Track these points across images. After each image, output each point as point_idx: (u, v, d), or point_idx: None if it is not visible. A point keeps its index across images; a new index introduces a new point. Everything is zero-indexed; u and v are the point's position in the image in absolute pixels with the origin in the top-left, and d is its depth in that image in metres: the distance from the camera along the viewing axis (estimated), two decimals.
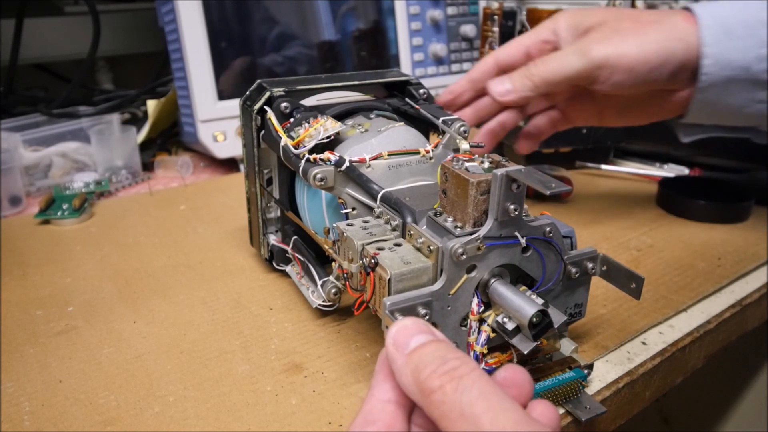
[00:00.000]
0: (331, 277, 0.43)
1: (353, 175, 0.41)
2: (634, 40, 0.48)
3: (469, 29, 0.94)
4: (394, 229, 0.37)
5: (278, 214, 0.51)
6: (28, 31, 0.89)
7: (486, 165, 0.35)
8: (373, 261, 0.34)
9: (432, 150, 0.44)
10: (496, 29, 0.75)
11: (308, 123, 0.44)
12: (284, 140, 0.43)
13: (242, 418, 0.36)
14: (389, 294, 0.33)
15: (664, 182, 0.67)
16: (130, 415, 0.36)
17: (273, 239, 0.51)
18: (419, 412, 0.27)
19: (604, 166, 0.75)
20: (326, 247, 0.40)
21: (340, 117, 0.47)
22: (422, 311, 0.32)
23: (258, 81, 0.47)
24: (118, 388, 0.38)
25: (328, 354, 0.42)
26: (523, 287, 0.35)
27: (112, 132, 0.77)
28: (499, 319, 0.34)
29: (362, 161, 0.41)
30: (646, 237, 0.58)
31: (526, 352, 0.33)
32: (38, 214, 0.64)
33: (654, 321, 0.45)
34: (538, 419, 0.27)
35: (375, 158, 0.42)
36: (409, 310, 0.32)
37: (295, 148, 0.42)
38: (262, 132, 0.47)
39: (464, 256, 0.33)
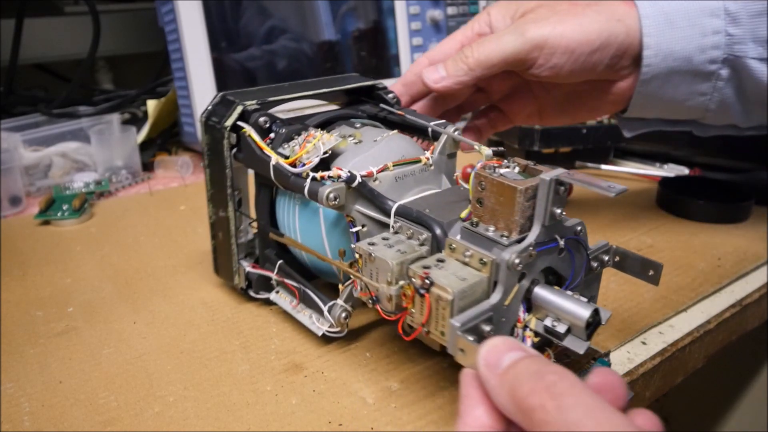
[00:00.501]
0: (339, 300, 0.40)
1: (364, 190, 0.38)
2: (573, 20, 0.46)
3: None
4: (422, 244, 0.35)
5: (249, 238, 0.47)
6: (28, 31, 0.89)
7: (517, 170, 0.34)
8: (427, 281, 0.31)
9: (431, 156, 0.42)
10: None
11: (298, 138, 0.41)
12: (275, 159, 0.40)
13: (242, 418, 0.36)
14: (453, 314, 0.31)
15: (664, 182, 0.67)
16: (130, 416, 0.36)
17: (247, 266, 0.46)
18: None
19: (604, 166, 0.75)
20: (347, 270, 0.37)
21: (321, 128, 0.44)
22: (487, 328, 0.31)
23: (221, 93, 0.44)
24: (118, 388, 0.38)
25: (328, 354, 0.42)
26: (557, 287, 0.35)
27: (112, 132, 0.77)
28: (547, 323, 0.33)
29: (370, 175, 0.39)
30: (646, 237, 0.58)
31: (582, 353, 0.33)
32: (38, 215, 0.64)
33: (654, 321, 0.45)
34: (644, 429, 0.25)
35: (381, 170, 0.39)
36: (475, 330, 0.30)
37: (292, 167, 0.39)
38: (234, 150, 0.43)
39: (520, 266, 0.32)
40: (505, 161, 0.35)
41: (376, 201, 0.38)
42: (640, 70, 0.47)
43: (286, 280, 0.44)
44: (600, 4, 0.47)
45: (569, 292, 0.34)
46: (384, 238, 0.36)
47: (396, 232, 0.37)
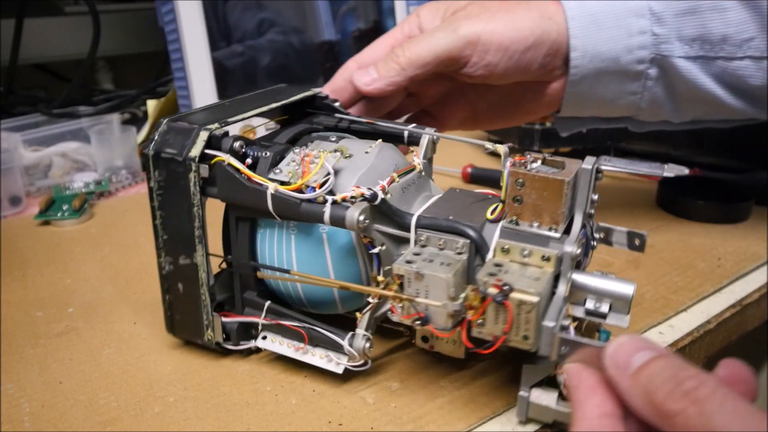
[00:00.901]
0: (360, 330, 0.37)
1: (384, 207, 0.35)
2: (505, 17, 0.45)
3: None
4: (459, 252, 0.34)
5: (210, 283, 0.39)
6: (28, 31, 0.89)
7: (539, 163, 0.35)
8: (506, 288, 0.30)
9: (420, 162, 0.40)
10: None
11: (286, 160, 0.37)
12: (273, 187, 0.35)
13: (242, 418, 0.36)
14: (540, 317, 0.31)
15: (664, 182, 0.67)
16: (130, 416, 0.36)
17: (221, 318, 0.39)
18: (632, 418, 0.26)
19: (604, 167, 0.74)
20: (389, 295, 0.34)
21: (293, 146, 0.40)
22: (566, 322, 0.31)
23: (165, 120, 0.37)
24: (118, 389, 0.38)
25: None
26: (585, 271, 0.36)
27: (112, 132, 0.77)
28: (589, 305, 0.34)
29: (383, 189, 0.36)
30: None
31: (627, 326, 0.34)
32: (38, 215, 0.64)
33: (654, 321, 0.45)
34: None
35: (390, 183, 0.37)
36: (562, 328, 0.31)
37: (298, 192, 0.35)
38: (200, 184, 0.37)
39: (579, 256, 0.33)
40: (528, 156, 0.35)
41: (395, 216, 0.36)
42: (569, 71, 0.47)
43: (284, 322, 0.39)
44: (530, 2, 0.47)
45: (600, 273, 0.35)
46: (416, 254, 0.34)
47: (423, 245, 0.35)
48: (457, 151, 0.84)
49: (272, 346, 0.39)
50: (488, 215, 0.35)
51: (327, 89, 0.49)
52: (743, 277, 0.52)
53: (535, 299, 0.30)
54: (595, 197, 0.34)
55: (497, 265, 0.33)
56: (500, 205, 0.35)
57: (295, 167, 0.37)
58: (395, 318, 0.34)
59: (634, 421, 0.26)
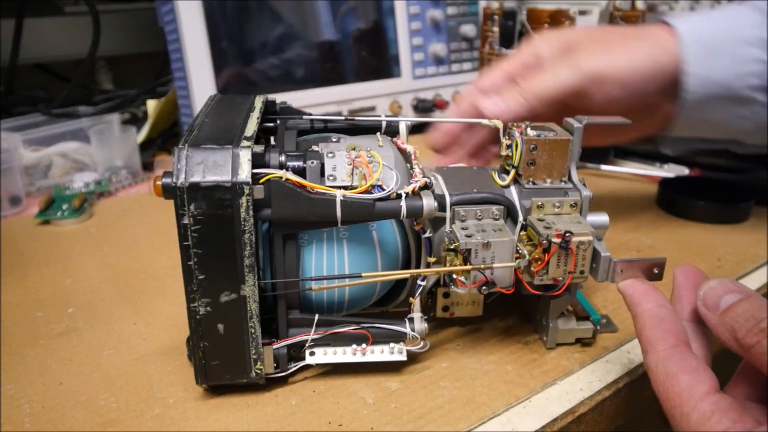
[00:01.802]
0: (416, 313, 0.39)
1: (434, 193, 0.37)
2: (624, 53, 0.48)
3: (469, 29, 0.94)
4: (497, 219, 0.38)
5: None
6: (28, 31, 0.89)
7: (534, 131, 0.40)
8: (568, 234, 0.36)
9: (413, 148, 0.41)
10: (496, 29, 0.75)
11: (337, 163, 0.36)
12: (341, 194, 0.35)
13: (242, 418, 0.36)
14: (594, 251, 0.37)
15: (664, 182, 0.67)
16: (130, 417, 0.36)
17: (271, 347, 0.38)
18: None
19: (603, 167, 0.75)
20: (464, 269, 0.36)
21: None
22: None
23: (183, 146, 0.33)
24: (118, 389, 0.38)
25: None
26: None
27: (112, 132, 0.77)
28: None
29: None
30: (646, 237, 0.58)
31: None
32: (38, 215, 0.64)
33: None
34: None
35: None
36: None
37: (367, 193, 0.35)
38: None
39: None
40: (523, 126, 0.40)
41: (438, 199, 0.37)
42: (681, 95, 0.49)
43: (339, 329, 0.38)
44: (646, 34, 0.49)
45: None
46: (463, 228, 0.37)
47: (463, 220, 0.38)
48: None
49: (325, 359, 0.38)
50: (499, 182, 0.40)
51: (453, 114, 0.53)
52: (743, 278, 0.52)
53: (591, 238, 0.36)
54: (580, 150, 0.40)
55: (541, 220, 0.38)
56: (512, 172, 0.40)
57: (346, 170, 0.36)
58: (461, 290, 0.37)
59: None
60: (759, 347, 0.28)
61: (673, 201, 0.64)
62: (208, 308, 0.35)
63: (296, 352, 0.39)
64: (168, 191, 0.33)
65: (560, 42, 0.51)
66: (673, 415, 0.29)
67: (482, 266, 0.36)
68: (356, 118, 0.43)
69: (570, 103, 0.49)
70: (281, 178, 0.34)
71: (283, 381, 0.39)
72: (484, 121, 0.44)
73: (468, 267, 0.36)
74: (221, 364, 0.37)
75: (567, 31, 0.52)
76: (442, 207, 0.38)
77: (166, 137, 0.87)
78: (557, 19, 0.66)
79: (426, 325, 0.39)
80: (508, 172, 0.41)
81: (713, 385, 0.29)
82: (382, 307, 0.43)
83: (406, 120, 0.42)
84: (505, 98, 0.49)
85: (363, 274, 0.37)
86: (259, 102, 0.42)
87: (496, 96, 0.49)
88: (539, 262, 0.37)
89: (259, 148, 0.35)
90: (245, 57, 0.79)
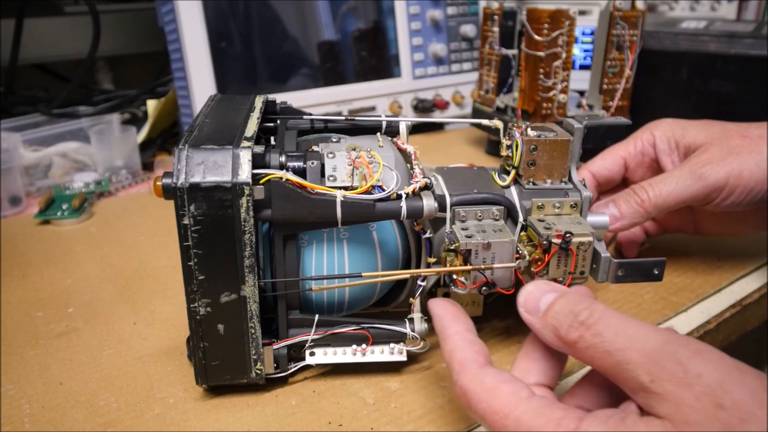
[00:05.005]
0: (416, 313, 0.39)
1: (435, 194, 0.37)
2: (750, 158, 0.46)
3: (469, 29, 0.94)
4: (497, 219, 0.38)
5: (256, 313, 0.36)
6: (28, 31, 0.89)
7: (535, 131, 0.40)
8: (567, 235, 0.36)
9: (414, 148, 0.41)
10: (496, 29, 0.75)
11: (337, 164, 0.36)
12: (341, 194, 0.35)
13: (242, 419, 0.36)
14: (594, 252, 0.37)
15: None
16: (130, 417, 0.36)
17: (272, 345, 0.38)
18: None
19: None
20: (463, 269, 0.36)
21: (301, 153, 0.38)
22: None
23: (183, 147, 0.33)
24: (118, 390, 0.38)
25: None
26: None
27: (112, 132, 0.77)
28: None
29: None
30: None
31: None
32: (38, 215, 0.64)
33: (654, 322, 0.45)
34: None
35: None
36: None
37: (367, 194, 0.35)
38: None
39: None
40: (523, 126, 0.40)
41: (439, 200, 0.37)
42: None
43: (340, 330, 0.38)
44: (763, 131, 0.47)
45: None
46: (463, 229, 0.37)
47: (463, 220, 0.38)
48: (457, 152, 0.84)
49: (325, 359, 0.39)
50: (500, 183, 0.40)
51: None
52: (743, 278, 0.52)
53: (591, 239, 0.36)
54: (580, 150, 0.41)
55: (541, 220, 0.38)
56: (512, 173, 0.40)
57: (347, 171, 0.36)
58: (461, 291, 0.37)
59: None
60: (582, 342, 0.28)
61: None
62: (208, 308, 0.35)
63: (296, 352, 0.39)
64: (168, 192, 0.33)
65: (679, 136, 0.50)
66: (506, 425, 0.27)
67: (482, 267, 0.36)
68: (356, 118, 0.43)
69: (690, 205, 0.48)
70: (281, 178, 0.34)
71: (283, 381, 0.39)
72: (485, 122, 0.44)
73: (468, 267, 0.36)
74: (221, 364, 0.37)
75: (687, 126, 0.50)
76: (442, 207, 0.38)
77: (166, 137, 0.87)
78: (557, 19, 0.66)
79: (426, 325, 0.39)
80: (508, 173, 0.41)
81: (531, 390, 0.29)
82: (382, 308, 0.43)
83: (406, 120, 0.42)
84: (620, 206, 0.48)
85: (363, 274, 0.37)
86: (259, 102, 0.42)
87: (613, 205, 0.48)
88: (539, 263, 0.37)
89: (260, 149, 0.35)
90: (245, 57, 0.79)
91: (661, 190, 0.47)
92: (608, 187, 0.53)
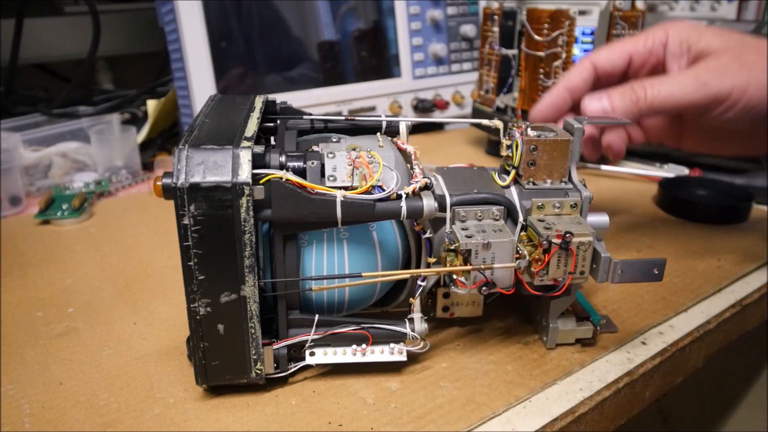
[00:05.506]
0: (417, 314, 0.39)
1: (435, 193, 0.37)
2: (759, 75, 0.43)
3: (469, 29, 0.94)
4: (497, 219, 0.38)
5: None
6: (28, 31, 0.89)
7: (534, 131, 0.40)
8: (567, 235, 0.36)
9: (414, 148, 0.41)
10: (496, 29, 0.75)
11: (337, 164, 0.36)
12: (341, 194, 0.35)
13: (242, 419, 0.36)
14: (594, 252, 0.37)
15: (664, 182, 0.67)
16: (130, 417, 0.36)
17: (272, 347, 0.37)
18: None
19: (603, 167, 0.75)
20: (463, 269, 0.36)
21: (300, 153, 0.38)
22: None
23: (183, 147, 0.33)
24: (118, 390, 0.38)
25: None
26: None
27: (112, 132, 0.77)
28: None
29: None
30: (645, 238, 0.58)
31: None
32: (38, 215, 0.64)
33: (654, 322, 0.45)
34: None
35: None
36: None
37: (367, 194, 0.35)
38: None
39: None
40: (523, 126, 0.41)
41: (439, 200, 0.37)
42: None
43: (340, 330, 0.38)
44: None
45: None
46: (463, 229, 0.37)
47: (463, 220, 0.38)
48: (457, 152, 0.85)
49: (325, 359, 0.38)
50: (500, 183, 0.41)
51: (562, 87, 0.49)
52: (743, 278, 0.52)
53: (591, 238, 0.36)
54: (579, 150, 0.41)
55: (541, 220, 0.38)
56: (512, 173, 0.40)
57: (347, 171, 0.36)
58: (461, 291, 0.37)
59: None
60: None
61: (673, 201, 0.64)
62: (208, 309, 0.35)
63: (296, 352, 0.39)
64: (168, 192, 0.33)
65: (693, 40, 0.47)
66: None
67: (482, 267, 0.36)
68: (356, 118, 0.43)
69: (684, 115, 0.46)
70: (281, 178, 0.34)
71: (283, 381, 0.39)
72: (485, 122, 0.44)
73: (468, 267, 0.36)
74: (221, 364, 0.36)
75: (703, 31, 0.47)
76: (442, 207, 0.38)
77: (166, 137, 0.87)
78: (557, 19, 0.66)
79: (426, 325, 0.39)
80: (508, 173, 0.41)
81: None
82: (382, 308, 0.43)
83: (406, 120, 0.42)
84: (613, 99, 0.45)
85: (363, 274, 0.37)
86: (259, 102, 0.42)
87: (604, 95, 0.45)
88: (539, 263, 0.37)
89: (260, 149, 0.35)
90: (245, 57, 0.79)
91: (660, 90, 0.44)
92: (606, 83, 0.50)
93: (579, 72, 0.50)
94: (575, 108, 0.50)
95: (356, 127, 0.43)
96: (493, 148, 0.82)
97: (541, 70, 0.67)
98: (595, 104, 0.46)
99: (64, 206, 0.65)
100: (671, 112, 0.45)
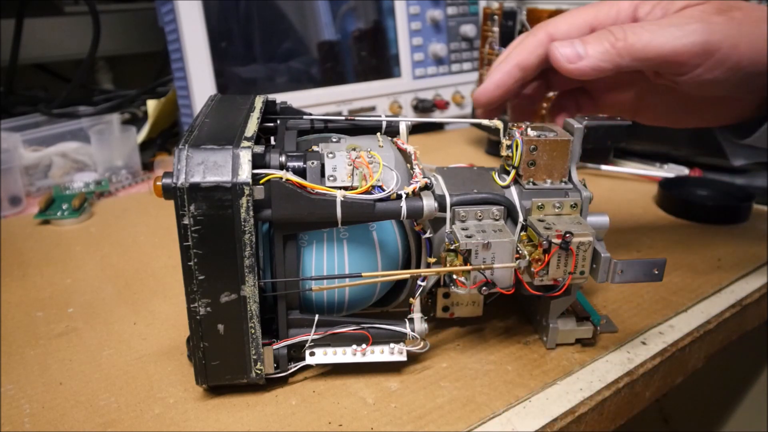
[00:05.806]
0: (417, 314, 0.39)
1: (435, 193, 0.37)
2: (755, 32, 0.38)
3: (469, 29, 0.94)
4: (497, 219, 0.38)
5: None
6: (28, 31, 0.89)
7: (534, 131, 0.40)
8: (568, 235, 0.36)
9: (413, 149, 0.41)
10: (496, 29, 0.75)
11: (337, 164, 0.36)
12: (341, 194, 0.35)
13: (242, 419, 0.36)
14: (594, 252, 0.37)
15: (664, 182, 0.67)
16: (130, 417, 0.36)
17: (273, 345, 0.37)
18: None
19: (603, 167, 0.75)
20: (463, 269, 0.36)
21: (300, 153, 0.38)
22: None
23: (183, 147, 0.33)
24: (118, 390, 0.38)
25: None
26: None
27: (112, 132, 0.77)
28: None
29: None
30: (645, 238, 0.58)
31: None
32: (38, 215, 0.64)
33: (654, 322, 0.45)
34: None
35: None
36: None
37: (367, 194, 0.35)
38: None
39: None
40: (523, 126, 0.41)
41: (439, 200, 0.37)
42: None
43: (340, 330, 0.38)
44: None
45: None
46: (463, 229, 0.37)
47: (463, 220, 0.38)
48: (456, 152, 0.85)
49: (325, 359, 0.38)
50: (500, 183, 0.40)
51: (511, 65, 0.44)
52: (743, 278, 0.52)
53: (591, 238, 0.36)
54: (580, 150, 0.41)
55: (541, 220, 0.38)
56: (512, 173, 0.40)
57: (347, 171, 0.36)
58: (461, 291, 0.37)
59: None
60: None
61: (673, 201, 0.64)
62: (208, 309, 0.35)
63: (296, 352, 0.39)
64: (168, 192, 0.33)
65: (667, 5, 0.41)
66: None
67: (482, 267, 0.36)
68: (356, 118, 0.43)
69: (659, 72, 0.41)
70: (281, 178, 0.34)
71: (283, 381, 0.39)
72: (485, 122, 0.44)
73: (468, 267, 0.36)
74: (221, 364, 0.36)
75: None
76: (442, 207, 0.38)
77: (166, 137, 0.87)
78: None
79: (426, 325, 0.39)
80: (508, 173, 0.41)
81: None
82: (382, 308, 0.43)
83: (406, 120, 0.42)
84: (588, 44, 0.40)
85: (363, 274, 0.37)
86: (259, 102, 0.42)
87: (579, 42, 0.40)
88: (539, 263, 0.37)
89: (260, 149, 0.35)
90: (245, 57, 0.79)
91: (641, 36, 0.39)
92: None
93: (534, 46, 0.43)
94: (526, 87, 0.46)
95: (356, 127, 0.43)
96: (493, 148, 0.82)
97: None
98: (567, 49, 0.41)
99: (64, 206, 0.65)
100: (651, 64, 0.39)
